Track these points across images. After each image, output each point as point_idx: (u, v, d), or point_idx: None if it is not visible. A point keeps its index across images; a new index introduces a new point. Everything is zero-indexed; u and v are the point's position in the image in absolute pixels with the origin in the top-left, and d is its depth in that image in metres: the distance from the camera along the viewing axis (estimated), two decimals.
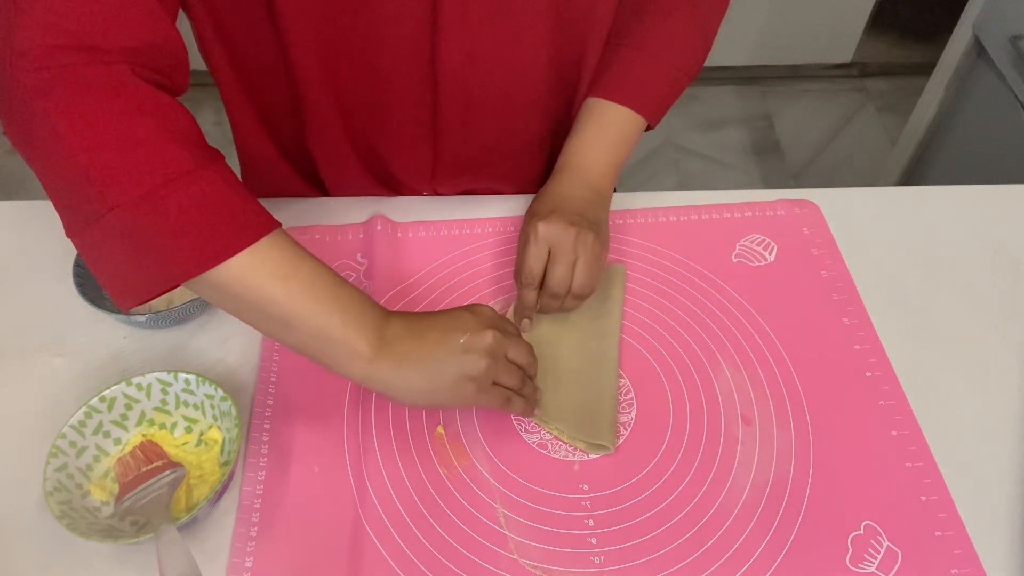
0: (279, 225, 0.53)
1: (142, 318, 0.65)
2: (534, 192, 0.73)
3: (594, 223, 0.67)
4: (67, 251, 0.68)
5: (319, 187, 0.81)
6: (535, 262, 0.65)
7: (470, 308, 0.59)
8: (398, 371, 0.54)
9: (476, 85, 0.69)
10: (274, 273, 0.51)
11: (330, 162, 0.77)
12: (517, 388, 0.59)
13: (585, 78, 0.76)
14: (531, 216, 0.68)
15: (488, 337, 0.56)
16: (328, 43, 0.64)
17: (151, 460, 0.58)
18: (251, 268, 0.50)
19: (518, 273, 0.67)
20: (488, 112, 0.73)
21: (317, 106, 0.69)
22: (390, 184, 0.80)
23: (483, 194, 0.81)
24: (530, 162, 0.82)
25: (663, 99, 0.74)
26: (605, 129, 0.73)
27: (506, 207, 0.79)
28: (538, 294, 0.67)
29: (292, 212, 0.78)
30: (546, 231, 0.65)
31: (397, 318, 0.56)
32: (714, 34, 0.76)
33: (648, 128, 0.75)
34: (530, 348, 0.60)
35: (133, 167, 0.48)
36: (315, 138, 0.74)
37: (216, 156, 0.52)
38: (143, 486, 0.56)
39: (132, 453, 0.59)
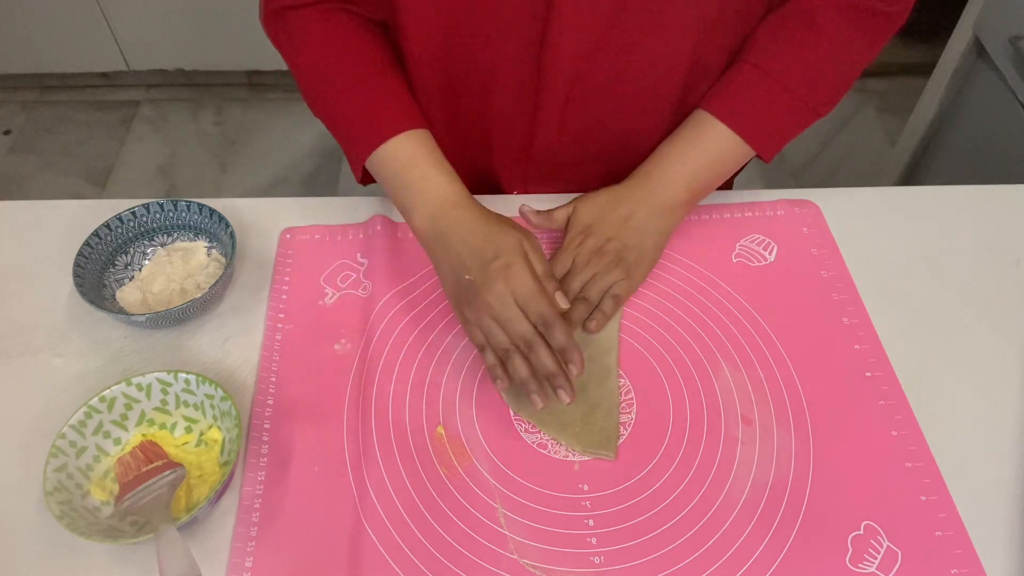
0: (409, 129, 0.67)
1: (142, 318, 0.65)
2: None
3: (633, 249, 0.68)
4: (67, 251, 0.68)
5: None
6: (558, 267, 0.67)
7: (505, 241, 0.61)
8: (431, 249, 0.66)
9: (581, 83, 0.69)
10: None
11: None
12: (504, 354, 0.60)
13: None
14: (572, 223, 0.70)
15: (491, 293, 0.60)
16: (442, 23, 0.66)
17: (151, 460, 0.58)
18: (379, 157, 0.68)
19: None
20: (589, 114, 0.72)
21: (424, 86, 0.72)
22: (487, 180, 0.81)
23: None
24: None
25: (778, 130, 0.70)
26: (699, 146, 0.70)
27: (512, 206, 0.78)
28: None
29: (292, 212, 0.78)
30: (572, 247, 0.67)
31: (452, 215, 0.64)
32: (854, 76, 0.71)
33: (764, 158, 0.72)
34: (560, 333, 0.59)
35: None
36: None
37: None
38: (143, 486, 0.56)
39: (132, 453, 0.59)
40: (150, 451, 0.59)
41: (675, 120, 0.74)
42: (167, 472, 0.57)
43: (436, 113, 0.74)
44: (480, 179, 0.81)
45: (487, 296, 0.59)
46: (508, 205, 0.75)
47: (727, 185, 0.83)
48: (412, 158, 0.67)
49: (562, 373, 0.59)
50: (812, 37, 0.68)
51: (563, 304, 0.62)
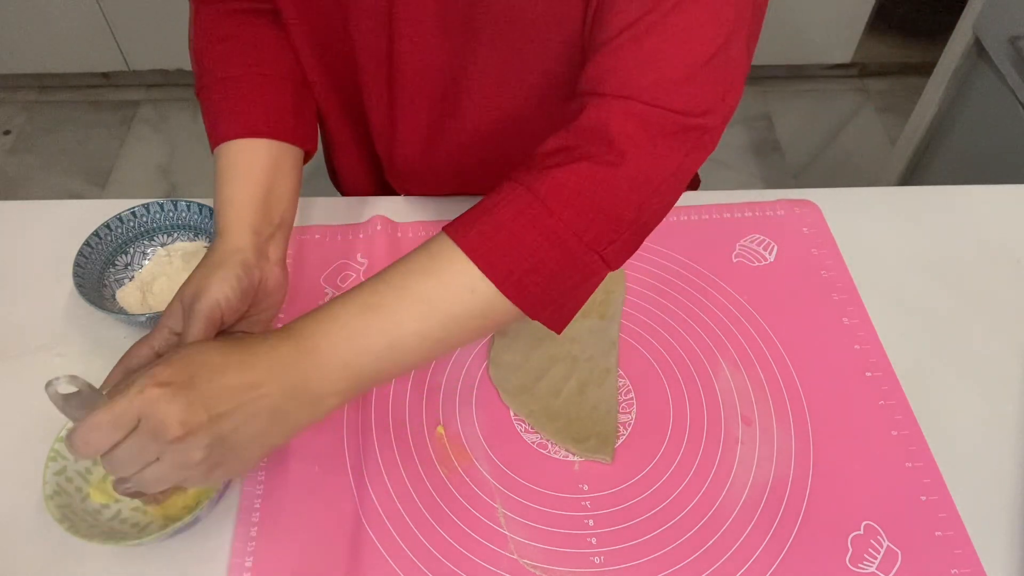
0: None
1: (142, 318, 0.65)
2: None
3: (230, 433, 0.46)
4: (67, 251, 0.68)
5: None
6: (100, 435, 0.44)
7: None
8: None
9: (436, 120, 0.68)
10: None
11: (337, 157, 0.79)
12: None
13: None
14: (149, 369, 0.46)
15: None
16: (320, 37, 0.66)
17: None
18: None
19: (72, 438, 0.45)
20: (448, 148, 0.71)
21: (321, 102, 0.71)
22: (381, 177, 0.81)
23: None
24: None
25: (548, 281, 0.50)
26: (410, 292, 0.51)
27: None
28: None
29: None
30: (147, 407, 0.44)
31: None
32: (659, 214, 0.54)
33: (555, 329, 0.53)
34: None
35: None
36: (325, 135, 0.75)
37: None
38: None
39: None
40: None
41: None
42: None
43: (327, 102, 0.73)
44: (377, 179, 0.82)
45: None
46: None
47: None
48: (222, 176, 0.60)
49: None
50: (612, 157, 0.50)
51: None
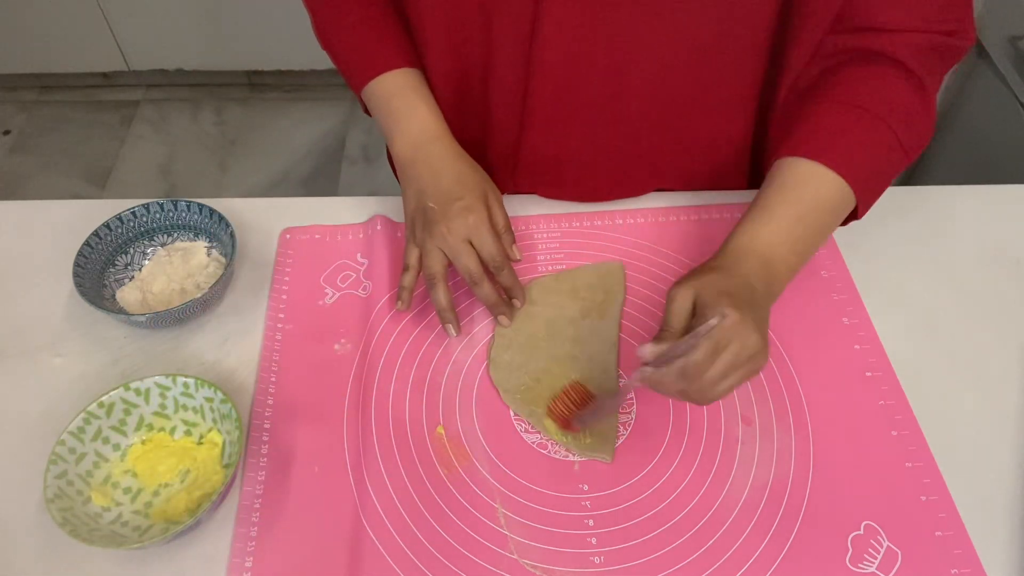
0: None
1: (142, 318, 0.65)
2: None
3: (760, 350, 0.54)
4: (67, 251, 0.68)
5: None
6: (703, 355, 0.51)
7: (473, 185, 0.66)
8: (404, 173, 0.70)
9: (571, 95, 0.69)
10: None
11: None
12: (430, 280, 0.64)
13: (718, 110, 0.70)
14: (722, 296, 0.53)
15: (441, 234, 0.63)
16: (451, 31, 0.68)
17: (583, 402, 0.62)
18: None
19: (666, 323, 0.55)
20: (580, 129, 0.72)
21: (433, 64, 0.73)
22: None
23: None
24: (626, 176, 0.76)
25: (879, 177, 0.62)
26: (801, 204, 0.60)
27: (511, 207, 0.78)
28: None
29: (292, 212, 0.78)
30: (735, 332, 0.52)
31: (430, 147, 0.69)
32: (935, 116, 0.64)
33: (853, 218, 0.63)
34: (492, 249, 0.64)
35: None
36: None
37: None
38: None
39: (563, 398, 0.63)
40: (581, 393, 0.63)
41: (675, 148, 0.74)
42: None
43: (443, 91, 0.74)
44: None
45: (443, 227, 0.64)
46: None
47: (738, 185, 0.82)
48: (401, 89, 0.71)
49: (504, 303, 0.66)
50: (902, 75, 0.62)
51: (517, 255, 0.68)
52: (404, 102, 0.71)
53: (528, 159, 0.77)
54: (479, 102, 0.74)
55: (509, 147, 0.76)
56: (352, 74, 0.74)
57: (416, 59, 0.73)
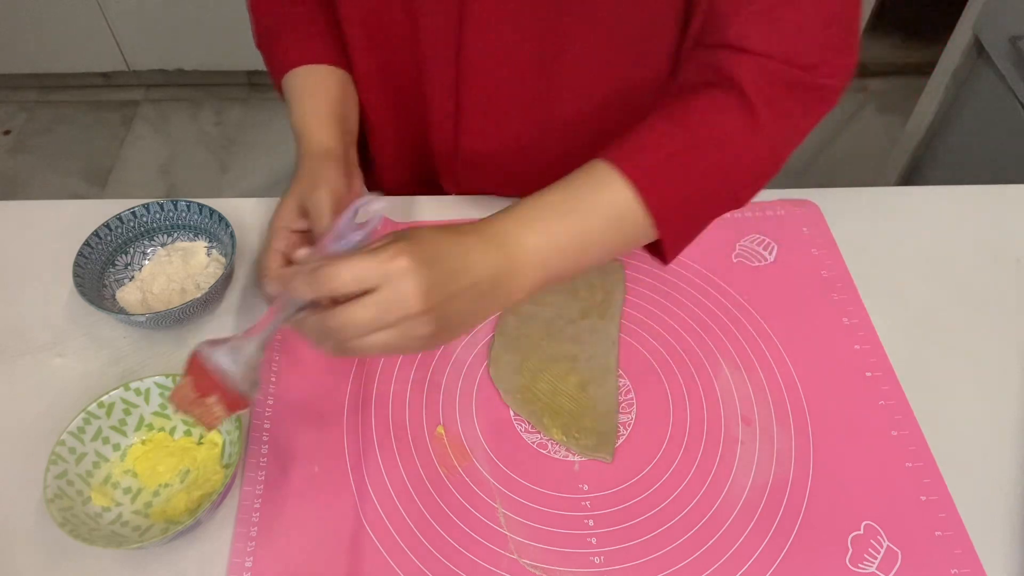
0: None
1: (142, 318, 0.65)
2: None
3: (454, 314, 0.48)
4: (67, 251, 0.68)
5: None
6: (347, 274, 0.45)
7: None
8: None
9: (504, 99, 0.69)
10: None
11: (380, 158, 0.79)
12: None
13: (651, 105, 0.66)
14: (411, 243, 0.46)
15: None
16: (376, 32, 0.67)
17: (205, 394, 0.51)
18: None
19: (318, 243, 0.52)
20: (515, 131, 0.71)
21: (367, 92, 0.72)
22: (426, 176, 0.81)
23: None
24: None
25: (692, 212, 0.56)
26: (578, 204, 0.53)
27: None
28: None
29: None
30: (389, 278, 0.45)
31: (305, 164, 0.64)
32: (780, 161, 0.58)
33: (661, 255, 0.58)
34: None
35: None
36: (367, 129, 0.76)
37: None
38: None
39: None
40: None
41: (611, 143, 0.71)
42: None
43: (373, 91, 0.73)
44: (420, 174, 0.82)
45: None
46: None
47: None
48: (300, 93, 0.69)
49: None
50: (734, 99, 0.55)
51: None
52: (298, 111, 0.67)
53: (468, 158, 0.76)
54: (415, 101, 0.73)
55: (448, 145, 0.75)
56: (271, 76, 0.73)
57: (332, 53, 0.71)
